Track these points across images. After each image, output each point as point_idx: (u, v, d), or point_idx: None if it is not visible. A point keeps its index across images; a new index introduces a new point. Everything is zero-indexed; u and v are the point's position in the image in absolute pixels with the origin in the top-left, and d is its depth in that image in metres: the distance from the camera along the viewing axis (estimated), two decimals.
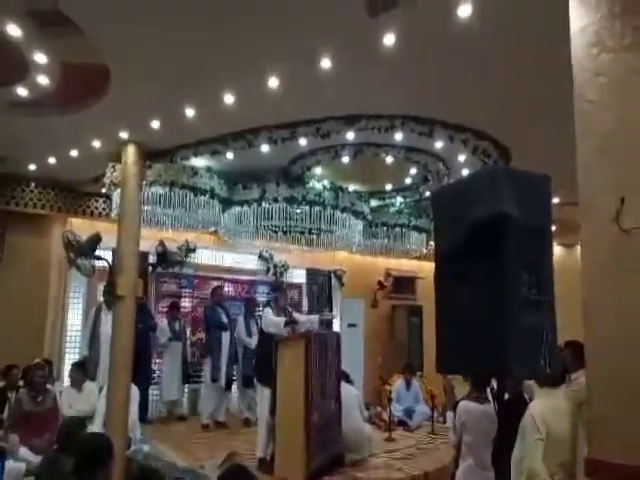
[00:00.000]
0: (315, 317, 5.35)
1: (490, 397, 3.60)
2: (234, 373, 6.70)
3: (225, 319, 6.67)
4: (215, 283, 7.67)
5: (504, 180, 1.94)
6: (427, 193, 6.28)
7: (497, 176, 1.99)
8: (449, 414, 6.55)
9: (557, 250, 8.71)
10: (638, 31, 2.33)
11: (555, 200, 5.89)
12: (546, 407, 2.49)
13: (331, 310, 8.68)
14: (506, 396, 3.29)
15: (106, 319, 6.16)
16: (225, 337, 6.56)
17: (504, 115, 4.20)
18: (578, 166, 2.38)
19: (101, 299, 6.28)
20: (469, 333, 2.01)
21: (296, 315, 5.22)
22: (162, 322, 6.87)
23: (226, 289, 7.56)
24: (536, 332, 1.95)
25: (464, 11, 2.81)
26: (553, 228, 7.67)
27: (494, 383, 3.12)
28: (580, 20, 2.48)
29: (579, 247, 2.39)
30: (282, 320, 4.80)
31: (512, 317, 1.89)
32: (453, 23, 2.91)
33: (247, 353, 6.63)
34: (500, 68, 3.48)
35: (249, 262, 8.02)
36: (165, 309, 7.18)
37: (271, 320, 4.89)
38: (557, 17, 2.52)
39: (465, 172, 5.37)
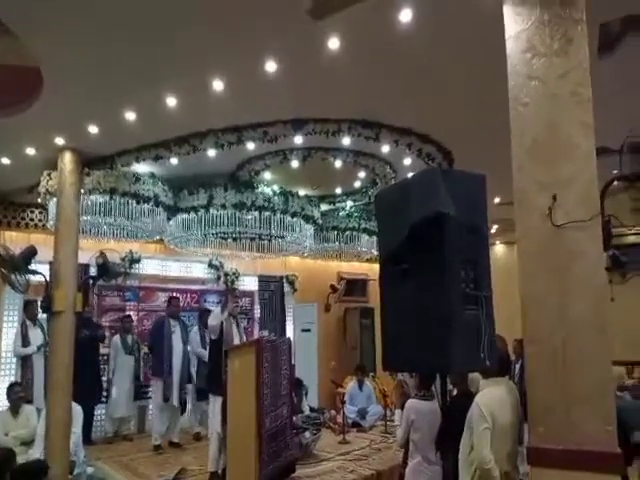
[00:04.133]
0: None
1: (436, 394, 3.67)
2: (187, 392, 6.47)
3: (177, 334, 6.36)
4: (161, 294, 7.44)
5: (441, 181, 1.99)
6: None
7: (434, 177, 2.03)
8: (397, 412, 6.68)
9: (500, 248, 9.07)
10: (565, 37, 2.47)
11: (496, 200, 6.15)
12: (492, 398, 2.56)
13: (284, 316, 8.63)
14: (454, 392, 3.36)
15: (34, 336, 5.84)
16: (177, 354, 6.28)
17: (446, 119, 4.32)
18: (513, 165, 2.48)
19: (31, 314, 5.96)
20: (411, 330, 2.04)
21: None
22: (115, 337, 6.62)
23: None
24: (475, 326, 2.01)
25: (405, 15, 2.87)
26: (495, 227, 7.96)
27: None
28: (514, 26, 2.60)
29: None
30: (218, 312, 4.81)
31: (451, 312, 1.94)
32: (396, 28, 2.96)
33: (201, 366, 6.45)
34: (441, 73, 3.58)
35: (198, 271, 7.82)
36: (108, 323, 6.90)
37: (210, 321, 4.92)
38: (494, 24, 2.64)
39: (411, 175, 5.49)
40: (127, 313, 7.02)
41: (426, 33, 3.05)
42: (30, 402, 5.33)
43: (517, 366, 6.34)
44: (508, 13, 2.63)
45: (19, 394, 5.05)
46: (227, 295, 5.32)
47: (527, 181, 2.44)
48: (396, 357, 2.18)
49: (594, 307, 2.19)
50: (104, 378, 6.62)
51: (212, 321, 4.91)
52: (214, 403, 4.80)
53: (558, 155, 2.40)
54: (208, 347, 5.48)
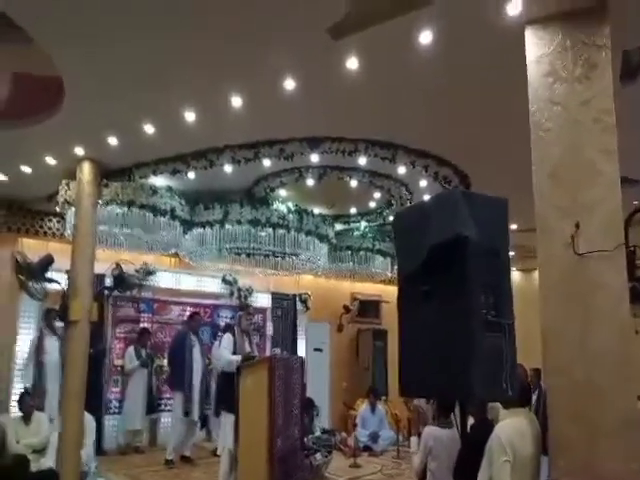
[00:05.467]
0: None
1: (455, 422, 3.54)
2: (208, 407, 6.36)
3: (197, 349, 6.32)
4: (175, 307, 7.46)
5: (462, 203, 1.94)
6: (391, 217, 6.32)
7: (455, 199, 1.98)
8: (413, 439, 6.47)
9: (515, 275, 8.89)
10: (588, 63, 2.41)
11: (513, 227, 6.03)
12: (512, 429, 2.47)
13: (296, 335, 8.53)
14: (472, 420, 3.24)
15: (50, 345, 5.85)
16: (197, 368, 6.22)
17: (464, 142, 4.27)
18: (534, 191, 2.42)
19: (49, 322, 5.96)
20: (430, 355, 1.98)
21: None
22: (129, 348, 6.62)
23: (187, 313, 7.27)
24: (497, 354, 1.93)
25: (425, 37, 2.85)
26: (512, 254, 7.83)
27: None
28: (535, 50, 2.55)
29: (537, 272, 2.41)
30: (236, 359, 4.66)
31: (472, 338, 1.87)
32: (415, 50, 2.95)
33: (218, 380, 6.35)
34: (460, 96, 3.54)
35: (211, 286, 7.82)
36: (123, 334, 6.91)
37: (226, 359, 4.79)
38: (515, 47, 2.60)
39: (427, 197, 5.43)
40: (144, 326, 7.00)
41: (445, 55, 3.02)
42: (42, 409, 5.32)
43: (534, 397, 6.12)
44: (530, 37, 2.59)
45: (30, 403, 5.05)
46: (243, 312, 5.28)
47: (549, 208, 2.37)
48: (413, 382, 2.11)
49: (618, 338, 2.11)
50: (115, 389, 6.62)
51: (226, 367, 4.80)
52: (225, 418, 4.72)
53: (581, 182, 2.33)
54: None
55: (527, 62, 2.56)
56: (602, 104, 2.37)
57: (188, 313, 7.19)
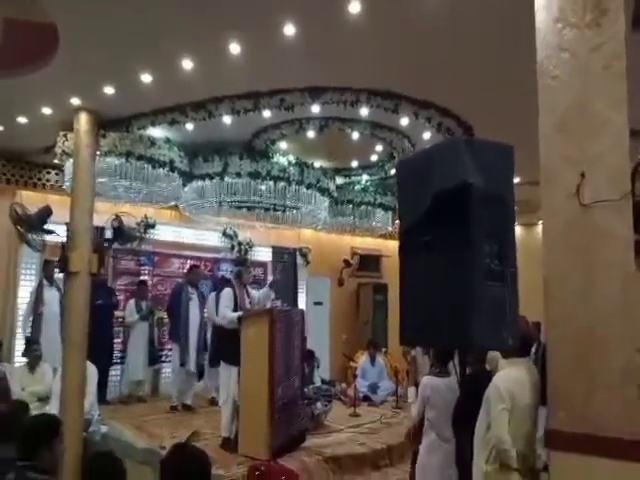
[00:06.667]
0: (265, 290, 5.29)
1: (453, 370, 3.63)
2: (205, 358, 6.52)
3: (195, 302, 6.43)
4: (176, 260, 7.51)
5: (466, 150, 1.90)
6: (392, 171, 6.26)
7: (458, 146, 1.95)
8: (411, 389, 6.68)
9: (517, 230, 8.87)
10: (599, 8, 2.31)
11: (516, 180, 5.97)
12: (511, 378, 2.52)
13: (296, 288, 8.65)
14: (469, 370, 3.33)
15: (50, 296, 5.94)
16: (193, 321, 6.35)
17: (468, 93, 4.17)
18: (540, 140, 2.36)
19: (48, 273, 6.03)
20: (430, 304, 1.98)
21: (253, 292, 5.17)
22: (130, 301, 6.71)
23: (187, 267, 7.35)
24: (498, 303, 1.94)
25: None
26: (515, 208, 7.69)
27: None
28: None
29: (539, 227, 2.40)
30: (236, 316, 4.68)
31: (474, 287, 1.87)
32: None
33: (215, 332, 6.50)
34: (465, 44, 3.43)
35: (212, 239, 7.85)
36: (123, 287, 7.01)
37: (226, 317, 4.80)
38: None
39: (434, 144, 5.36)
40: (143, 279, 7.09)
41: (450, 1, 2.89)
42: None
43: (532, 349, 6.27)
44: None
45: (37, 352, 5.17)
46: (242, 266, 5.32)
47: (554, 158, 2.32)
48: (413, 331, 2.12)
49: (621, 290, 2.08)
50: (118, 340, 6.77)
51: (228, 325, 4.80)
52: (228, 370, 4.79)
53: (588, 131, 2.27)
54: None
55: (535, 7, 2.45)
56: (613, 50, 2.27)
57: (188, 266, 7.28)
